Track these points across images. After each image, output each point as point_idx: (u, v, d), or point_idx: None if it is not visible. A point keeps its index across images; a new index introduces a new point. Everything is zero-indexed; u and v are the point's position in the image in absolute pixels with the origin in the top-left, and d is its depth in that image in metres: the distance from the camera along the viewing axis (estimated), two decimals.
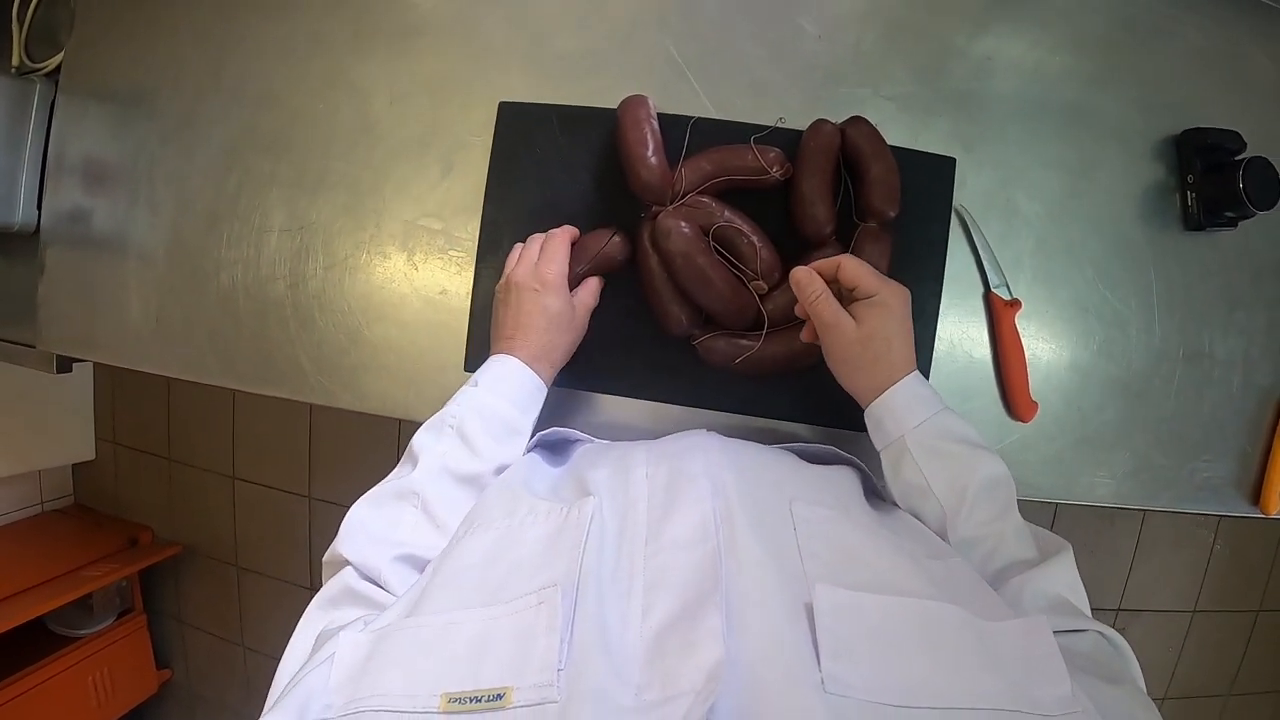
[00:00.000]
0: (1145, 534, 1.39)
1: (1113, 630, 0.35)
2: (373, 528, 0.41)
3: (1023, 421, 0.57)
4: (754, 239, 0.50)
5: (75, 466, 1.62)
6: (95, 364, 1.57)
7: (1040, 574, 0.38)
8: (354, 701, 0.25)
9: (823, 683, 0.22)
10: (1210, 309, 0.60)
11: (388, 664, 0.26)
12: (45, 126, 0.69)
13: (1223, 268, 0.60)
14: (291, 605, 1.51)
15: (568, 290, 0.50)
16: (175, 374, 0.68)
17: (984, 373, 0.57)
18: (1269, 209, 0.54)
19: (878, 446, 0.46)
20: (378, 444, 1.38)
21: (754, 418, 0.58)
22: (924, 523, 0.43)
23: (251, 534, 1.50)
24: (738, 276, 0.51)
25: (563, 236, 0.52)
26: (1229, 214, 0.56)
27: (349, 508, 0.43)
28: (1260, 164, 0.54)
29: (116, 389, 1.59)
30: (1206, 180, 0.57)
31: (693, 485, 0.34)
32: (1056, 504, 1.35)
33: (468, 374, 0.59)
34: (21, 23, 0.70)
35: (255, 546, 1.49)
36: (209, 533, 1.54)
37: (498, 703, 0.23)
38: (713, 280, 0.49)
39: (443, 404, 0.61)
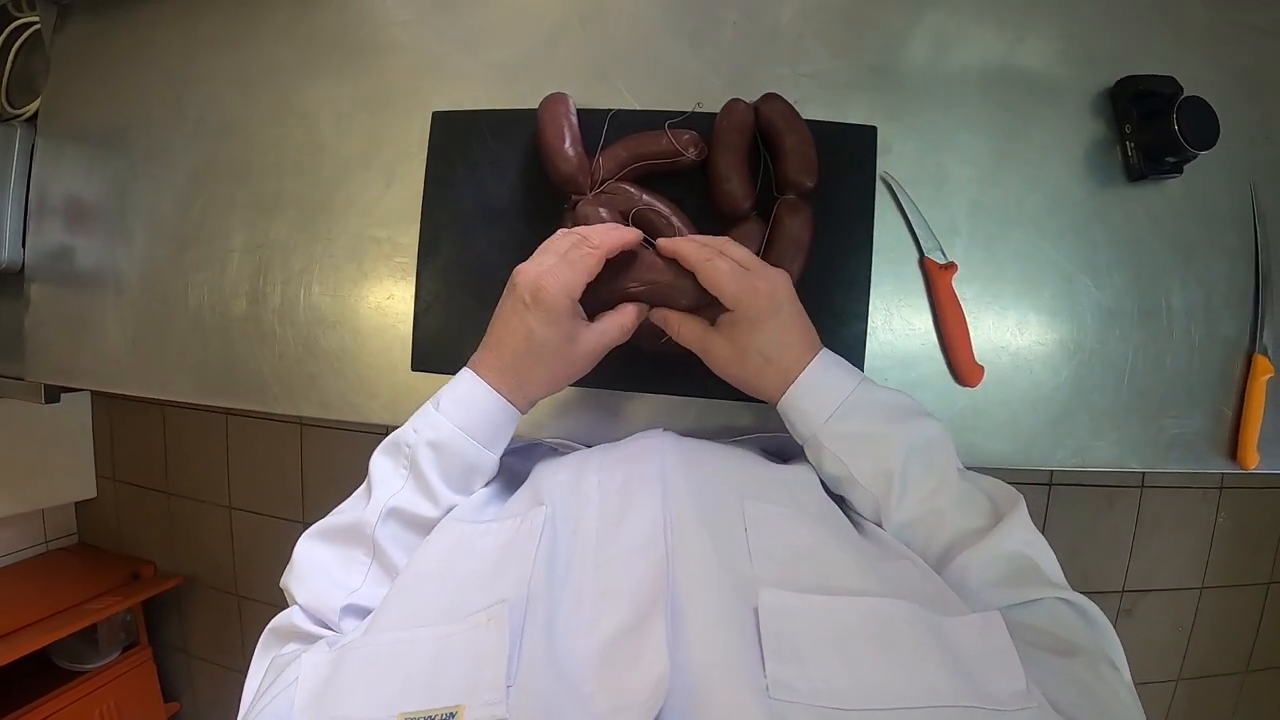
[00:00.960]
0: (1145, 513, 1.33)
1: (1076, 594, 0.34)
2: (325, 570, 0.40)
3: (969, 386, 0.56)
4: (674, 219, 0.51)
5: (78, 504, 1.67)
6: (93, 404, 1.63)
7: (991, 542, 0.36)
8: None
9: (767, 688, 0.22)
10: (1164, 261, 0.58)
11: (347, 685, 0.26)
12: (27, 169, 0.73)
13: (1173, 217, 0.58)
14: None
15: (570, 319, 0.41)
16: (151, 394, 0.70)
17: (926, 339, 0.56)
18: (1207, 148, 0.53)
19: (798, 441, 0.43)
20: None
21: (710, 410, 0.58)
22: (858, 510, 0.41)
23: (250, 562, 1.53)
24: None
25: (603, 247, 0.41)
26: (1170, 159, 0.55)
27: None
28: (1194, 103, 0.53)
29: (115, 427, 1.66)
30: (1144, 128, 0.56)
31: (645, 489, 0.34)
32: (1050, 485, 1.32)
33: (415, 373, 0.61)
34: (1, 72, 0.76)
35: (254, 574, 1.53)
36: (209, 563, 1.57)
37: None
38: (629, 261, 0.49)
39: (394, 405, 0.62)
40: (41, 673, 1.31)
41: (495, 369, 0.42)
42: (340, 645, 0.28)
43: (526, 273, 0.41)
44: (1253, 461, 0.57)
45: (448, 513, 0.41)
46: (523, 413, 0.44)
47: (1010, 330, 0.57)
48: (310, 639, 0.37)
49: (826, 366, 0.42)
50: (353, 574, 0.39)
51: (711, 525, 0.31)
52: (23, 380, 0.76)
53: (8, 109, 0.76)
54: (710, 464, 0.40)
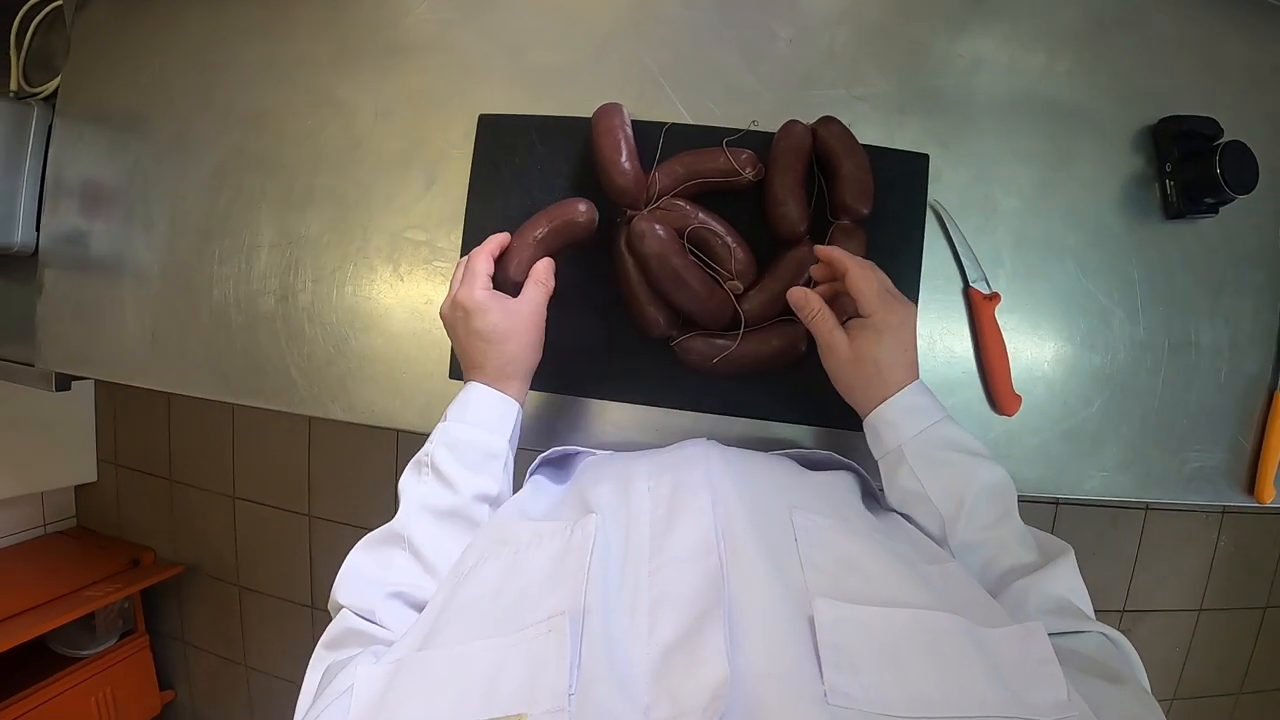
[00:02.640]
0: (1148, 534, 1.37)
1: (1116, 631, 0.36)
2: (365, 572, 0.43)
3: (1007, 415, 0.57)
4: (728, 239, 0.51)
5: (77, 488, 1.64)
6: (96, 387, 1.60)
7: (1044, 577, 0.38)
8: None
9: (825, 695, 0.23)
10: (1195, 297, 0.59)
11: (405, 696, 0.26)
12: (43, 149, 0.71)
13: (1206, 255, 0.59)
14: (293, 624, 1.52)
15: (497, 301, 0.48)
16: (170, 388, 0.69)
17: (966, 367, 0.57)
18: (1247, 193, 0.54)
19: (875, 455, 0.47)
20: (375, 461, 1.39)
21: (752, 425, 0.58)
22: (922, 528, 0.43)
23: (252, 553, 1.51)
24: (713, 277, 0.51)
25: (482, 252, 0.50)
26: (1208, 200, 0.56)
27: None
28: (1237, 148, 0.54)
29: (118, 411, 1.61)
30: (1184, 168, 0.57)
31: (694, 497, 0.34)
32: (1056, 505, 1.36)
33: (453, 381, 0.60)
34: (20, 48, 0.73)
35: (256, 566, 1.50)
36: (210, 552, 1.55)
37: None
38: (688, 281, 0.49)
39: (428, 412, 0.62)
40: (38, 659, 1.29)
41: (481, 374, 0.49)
42: (394, 659, 0.28)
43: (445, 307, 0.50)
44: (1269, 496, 0.59)
45: (472, 498, 0.45)
46: (519, 400, 0.49)
47: (1048, 361, 0.58)
48: (363, 637, 0.39)
49: (921, 392, 0.45)
50: (392, 571, 0.43)
51: (762, 534, 0.31)
52: (33, 367, 0.74)
53: (25, 87, 0.73)
54: (755, 473, 0.41)
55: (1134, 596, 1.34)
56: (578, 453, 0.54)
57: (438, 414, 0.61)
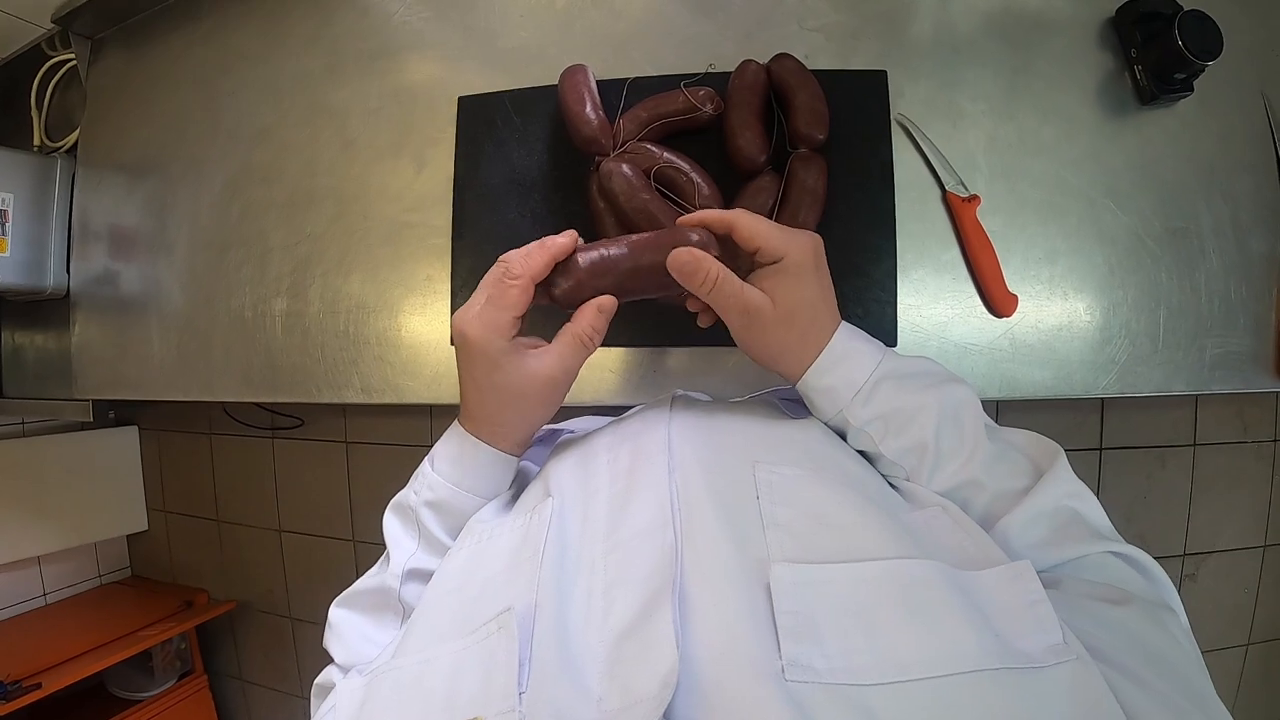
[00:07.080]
0: (1199, 471, 1.28)
1: (1127, 545, 0.32)
2: (359, 629, 0.40)
3: (1005, 316, 0.56)
4: (693, 175, 0.52)
5: (130, 538, 1.70)
6: (141, 438, 1.66)
7: (1032, 500, 0.34)
8: None
9: (783, 670, 0.21)
10: (1186, 181, 0.58)
11: (377, 710, 0.26)
12: (68, 197, 0.77)
13: (1190, 137, 0.58)
14: None
15: (508, 353, 0.36)
16: (196, 397, 0.72)
17: (957, 272, 0.57)
18: (1213, 58, 0.53)
19: (820, 419, 0.39)
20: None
21: (744, 362, 0.58)
22: (890, 480, 0.38)
23: (302, 584, 1.54)
24: (680, 212, 0.52)
25: (526, 271, 0.36)
26: (1178, 75, 0.55)
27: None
28: (1194, 16, 0.54)
29: (163, 460, 1.68)
30: (1149, 49, 0.57)
31: (651, 466, 0.32)
32: (1100, 450, 1.29)
33: (453, 348, 0.62)
34: (40, 107, 0.80)
35: (305, 596, 1.53)
36: (261, 587, 1.58)
37: None
38: (655, 215, 0.50)
39: (435, 383, 0.64)
40: (99, 702, 1.32)
41: (473, 419, 0.39)
42: (373, 670, 0.28)
43: (455, 320, 0.37)
44: None
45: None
46: (517, 456, 0.41)
47: (1040, 258, 0.57)
48: None
49: (848, 338, 0.38)
50: (385, 631, 0.40)
51: (721, 497, 0.30)
52: (70, 400, 0.78)
53: (47, 142, 0.79)
54: (720, 428, 0.38)
55: (1194, 538, 1.25)
56: (558, 431, 0.52)
57: (445, 385, 0.64)
